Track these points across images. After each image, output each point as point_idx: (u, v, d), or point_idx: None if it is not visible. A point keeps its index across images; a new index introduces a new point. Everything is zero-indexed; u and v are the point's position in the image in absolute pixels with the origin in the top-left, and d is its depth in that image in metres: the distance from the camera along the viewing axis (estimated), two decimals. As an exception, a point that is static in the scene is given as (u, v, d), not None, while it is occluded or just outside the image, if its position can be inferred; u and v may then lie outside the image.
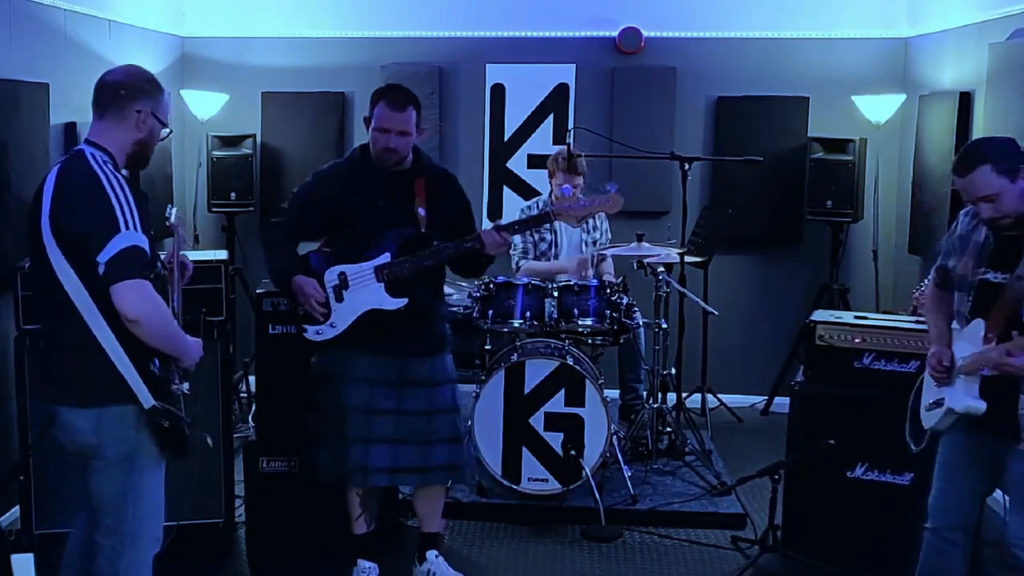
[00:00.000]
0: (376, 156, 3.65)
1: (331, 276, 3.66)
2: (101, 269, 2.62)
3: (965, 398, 3.04)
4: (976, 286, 3.08)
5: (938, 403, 3.17)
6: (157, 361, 2.79)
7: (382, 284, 3.62)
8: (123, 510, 2.84)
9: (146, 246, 2.68)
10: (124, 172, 2.84)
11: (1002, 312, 2.96)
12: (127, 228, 2.64)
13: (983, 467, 3.16)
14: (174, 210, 3.23)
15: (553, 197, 5.34)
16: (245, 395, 5.90)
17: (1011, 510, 3.08)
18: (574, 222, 3.79)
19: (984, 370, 2.98)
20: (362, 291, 3.63)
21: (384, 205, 3.65)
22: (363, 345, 3.66)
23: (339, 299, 3.66)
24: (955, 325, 3.22)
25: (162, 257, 3.02)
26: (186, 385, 2.90)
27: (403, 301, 3.62)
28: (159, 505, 2.94)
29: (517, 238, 5.38)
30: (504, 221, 4.07)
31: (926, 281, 3.52)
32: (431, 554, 3.92)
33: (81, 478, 2.89)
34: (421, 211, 3.65)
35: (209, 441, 2.98)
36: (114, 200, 2.65)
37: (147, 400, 2.73)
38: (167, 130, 2.91)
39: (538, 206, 5.36)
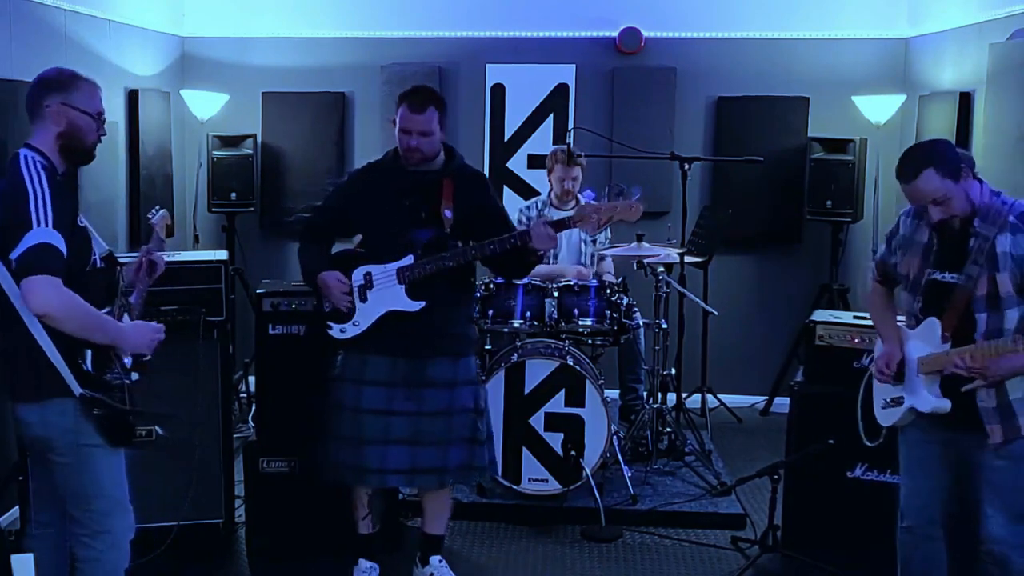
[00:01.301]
0: (402, 156, 3.66)
1: (357, 276, 3.68)
2: (12, 265, 2.69)
3: (929, 398, 3.07)
4: (925, 286, 3.11)
5: (896, 401, 3.19)
6: (90, 353, 2.82)
7: (403, 286, 3.63)
8: (89, 502, 2.92)
9: (58, 242, 2.71)
10: (61, 169, 2.89)
11: (955, 311, 3.00)
12: (39, 225, 2.68)
13: (948, 461, 3.19)
14: (162, 211, 3.25)
15: (553, 196, 5.35)
16: (245, 395, 5.90)
17: (988, 507, 3.09)
18: (592, 230, 3.78)
19: (947, 370, 3.00)
20: (384, 292, 3.65)
21: (410, 205, 3.66)
22: (385, 347, 3.67)
23: (363, 299, 3.67)
24: (900, 321, 3.25)
25: (125, 255, 3.07)
26: (135, 375, 2.94)
27: (421, 304, 3.62)
28: (123, 495, 2.99)
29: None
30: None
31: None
32: (435, 559, 3.92)
33: (46, 472, 2.97)
34: (448, 213, 3.64)
35: (159, 431, 3.00)
36: (31, 197, 2.70)
37: (76, 389, 2.78)
38: (94, 120, 2.90)
39: (537, 206, 5.37)
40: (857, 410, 3.41)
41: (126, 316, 3.02)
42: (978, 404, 3.00)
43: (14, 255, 2.68)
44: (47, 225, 2.69)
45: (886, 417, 3.27)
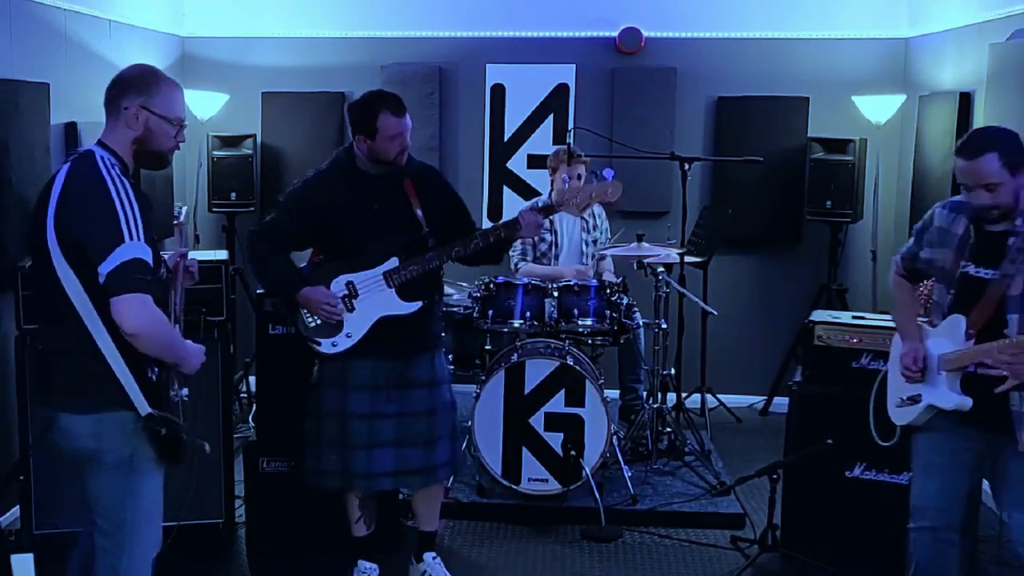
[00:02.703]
0: (392, 161, 3.59)
1: (338, 287, 3.62)
2: (102, 279, 2.58)
3: (951, 395, 3.04)
4: (958, 280, 3.08)
5: (914, 399, 3.17)
6: (156, 369, 2.76)
7: (393, 289, 3.61)
8: (120, 514, 2.83)
9: (148, 257, 2.63)
10: (131, 170, 2.79)
11: (986, 308, 2.97)
12: (131, 239, 2.58)
13: (970, 463, 3.17)
14: (184, 209, 3.22)
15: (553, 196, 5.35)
16: (245, 395, 5.91)
17: (1012, 508, 3.08)
18: (576, 211, 3.77)
19: (971, 367, 2.98)
20: (373, 298, 3.61)
21: (380, 209, 3.63)
22: (368, 352, 3.64)
23: (350, 309, 3.63)
24: (922, 319, 3.23)
25: (166, 257, 3.00)
26: (185, 391, 2.88)
27: (417, 305, 3.62)
28: (158, 509, 2.93)
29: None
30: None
31: (926, 282, 3.52)
32: (428, 556, 3.93)
33: (80, 481, 2.87)
34: (419, 212, 3.64)
35: (207, 448, 2.94)
36: (119, 208, 2.59)
37: (143, 407, 2.69)
38: (173, 127, 2.78)
39: (538, 206, 5.35)
40: (869, 411, 3.38)
41: (177, 327, 2.93)
42: (1011, 408, 2.97)
43: (105, 268, 2.56)
44: (138, 239, 2.59)
45: (901, 416, 3.23)
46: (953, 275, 3.09)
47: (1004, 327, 2.94)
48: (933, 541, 3.26)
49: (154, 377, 2.75)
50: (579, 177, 5.22)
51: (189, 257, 3.06)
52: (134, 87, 2.75)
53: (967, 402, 3.01)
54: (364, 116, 3.56)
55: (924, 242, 3.24)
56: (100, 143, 2.76)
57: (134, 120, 2.73)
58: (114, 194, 2.61)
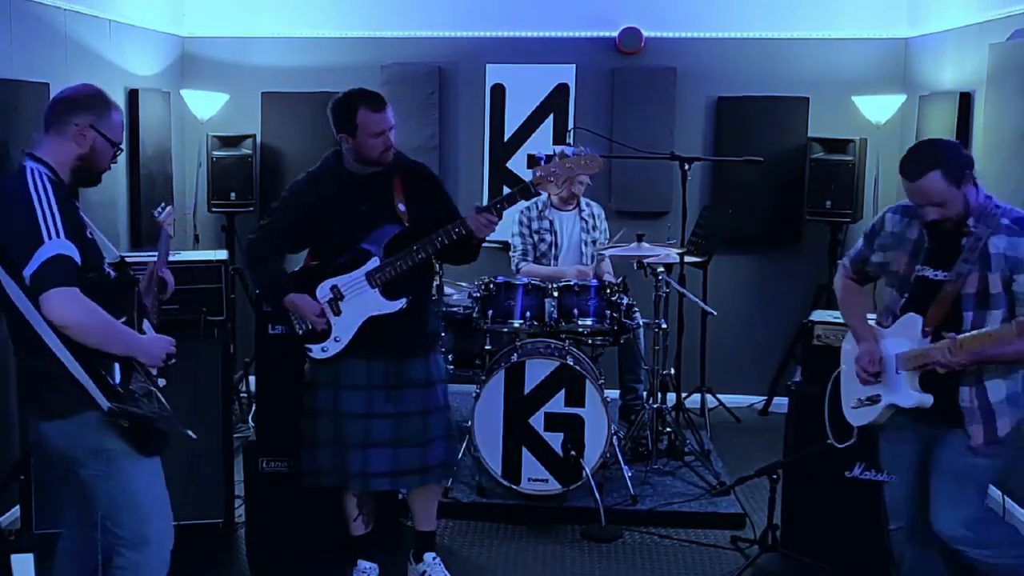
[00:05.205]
0: (377, 159, 3.59)
1: (323, 291, 3.62)
2: (27, 282, 2.64)
3: (912, 393, 3.07)
4: (913, 283, 3.11)
5: (873, 400, 3.18)
6: (117, 365, 2.78)
7: (377, 289, 3.60)
8: (120, 512, 2.87)
9: (73, 253, 2.67)
10: (67, 183, 2.84)
11: (941, 309, 3.01)
12: (51, 238, 2.64)
13: (923, 458, 3.19)
14: (167, 207, 3.23)
15: (554, 197, 5.35)
16: (245, 395, 5.91)
17: (937, 499, 3.10)
18: (555, 190, 3.73)
19: (931, 364, 3.00)
20: (359, 300, 3.60)
21: (365, 209, 3.61)
22: (359, 351, 3.64)
23: (336, 312, 3.62)
24: (871, 318, 3.25)
25: (130, 255, 3.04)
26: (162, 381, 2.92)
27: (402, 302, 3.60)
28: (160, 502, 2.96)
29: (517, 239, 5.38)
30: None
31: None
32: (429, 556, 3.92)
33: (73, 483, 2.93)
34: (401, 207, 3.60)
35: (191, 434, 2.96)
36: (38, 210, 2.66)
37: (103, 403, 2.73)
38: (112, 149, 2.88)
39: (538, 207, 5.37)
40: (824, 412, 3.39)
41: (146, 322, 2.97)
42: (961, 406, 3.02)
43: (28, 271, 2.62)
44: (59, 236, 2.65)
45: (859, 416, 3.26)
46: (907, 279, 3.13)
47: (959, 324, 2.98)
48: (913, 540, 3.28)
49: (113, 375, 2.77)
50: (581, 183, 5.23)
51: (166, 271, 3.12)
52: (86, 107, 2.84)
53: (928, 399, 3.05)
54: (343, 114, 3.56)
55: (876, 246, 3.26)
56: (33, 156, 2.80)
57: (82, 138, 2.82)
58: (35, 199, 2.68)
